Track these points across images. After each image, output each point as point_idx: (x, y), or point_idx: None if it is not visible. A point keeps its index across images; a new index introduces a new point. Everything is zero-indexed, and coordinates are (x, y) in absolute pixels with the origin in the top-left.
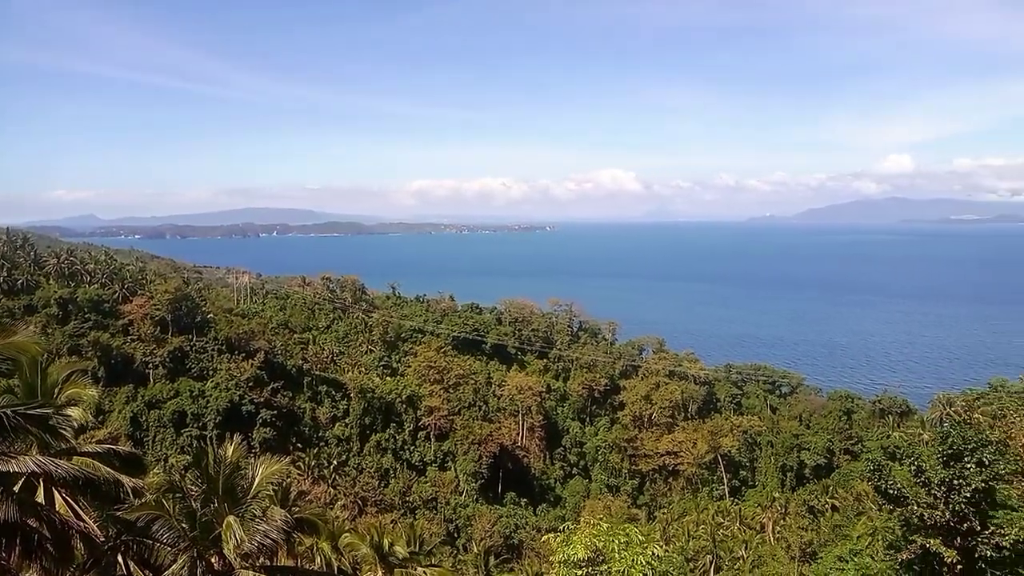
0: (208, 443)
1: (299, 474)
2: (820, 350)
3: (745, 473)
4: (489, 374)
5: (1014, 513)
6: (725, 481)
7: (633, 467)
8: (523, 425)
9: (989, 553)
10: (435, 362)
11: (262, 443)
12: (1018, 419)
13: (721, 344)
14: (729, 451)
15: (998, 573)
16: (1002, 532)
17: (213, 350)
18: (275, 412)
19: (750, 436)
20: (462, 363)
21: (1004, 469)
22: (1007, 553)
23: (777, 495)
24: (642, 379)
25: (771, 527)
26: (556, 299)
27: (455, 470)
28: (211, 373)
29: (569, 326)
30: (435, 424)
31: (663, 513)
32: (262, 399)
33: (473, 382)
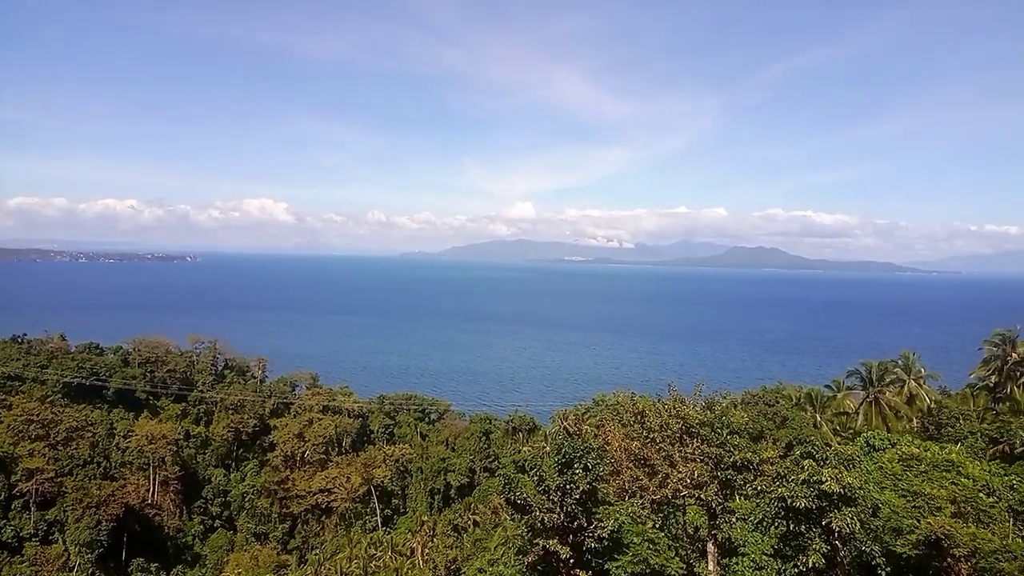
0: None
1: None
2: (463, 376)
3: (397, 501)
4: (112, 424)
5: (611, 507)
6: (378, 512)
7: (284, 510)
8: (155, 479)
9: (593, 545)
10: (37, 414)
11: None
12: (613, 427)
13: (374, 375)
14: (382, 481)
15: (600, 560)
16: (602, 525)
17: None
18: None
19: (402, 464)
20: (75, 414)
21: (603, 471)
22: (606, 543)
23: (426, 518)
24: (294, 416)
25: (420, 550)
26: (197, 336)
27: (64, 542)
28: None
29: (213, 365)
30: (37, 490)
31: (315, 555)
32: None
33: (90, 435)
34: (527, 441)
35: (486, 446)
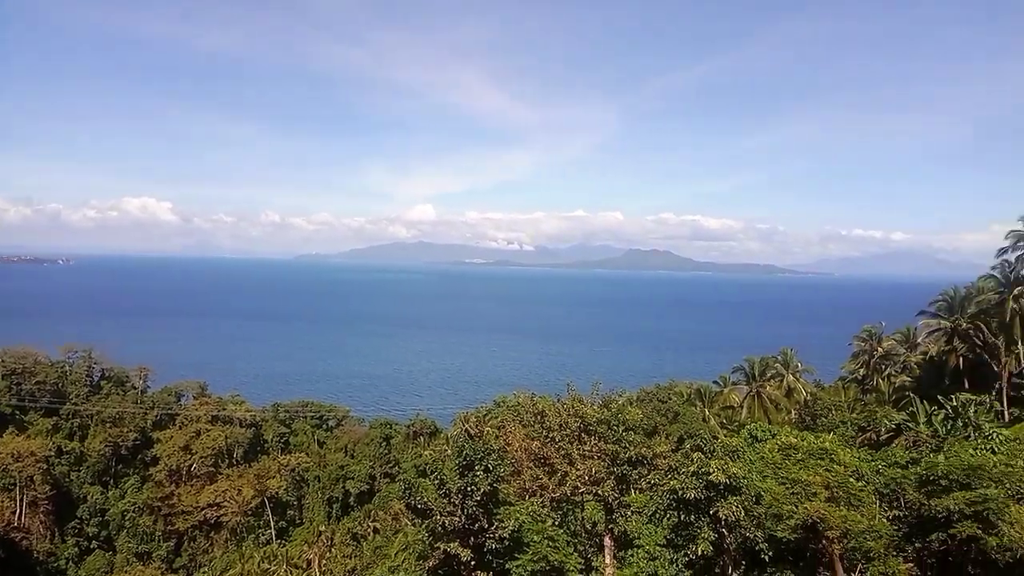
0: None
1: None
2: (362, 381)
3: (293, 512)
4: None
5: (511, 507)
6: (272, 524)
7: (169, 527)
8: (22, 500)
9: (494, 545)
10: None
11: None
12: (513, 428)
13: (268, 382)
14: (276, 492)
15: (501, 561)
16: (503, 525)
17: None
18: None
19: (298, 473)
20: None
21: (504, 471)
22: (507, 543)
23: (323, 528)
24: (180, 428)
25: (317, 561)
26: (71, 344)
27: None
28: None
29: (88, 375)
30: None
31: (203, 572)
32: None
33: None
34: (428, 445)
35: (386, 451)
